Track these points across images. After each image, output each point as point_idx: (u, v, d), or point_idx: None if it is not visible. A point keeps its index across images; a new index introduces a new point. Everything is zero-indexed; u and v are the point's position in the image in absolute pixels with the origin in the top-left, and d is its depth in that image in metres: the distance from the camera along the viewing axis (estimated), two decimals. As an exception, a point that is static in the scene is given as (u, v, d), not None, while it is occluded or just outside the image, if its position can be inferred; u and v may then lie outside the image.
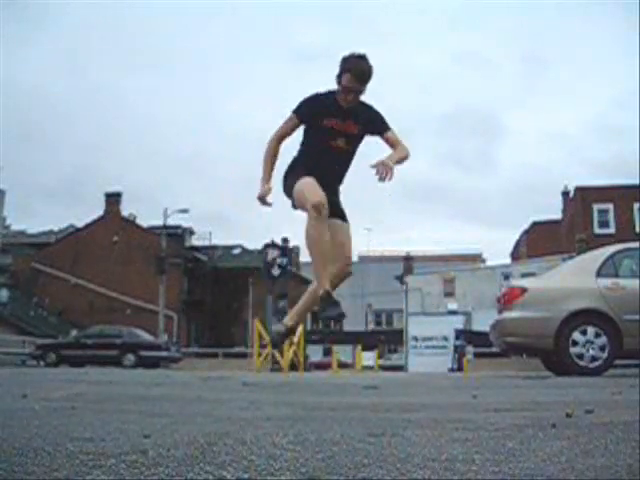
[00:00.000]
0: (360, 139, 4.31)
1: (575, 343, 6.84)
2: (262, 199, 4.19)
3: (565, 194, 40.92)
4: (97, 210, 41.03)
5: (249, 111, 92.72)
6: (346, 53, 4.22)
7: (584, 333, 6.85)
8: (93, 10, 75.07)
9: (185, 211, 35.64)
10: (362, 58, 4.17)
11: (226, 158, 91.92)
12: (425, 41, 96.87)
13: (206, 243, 44.01)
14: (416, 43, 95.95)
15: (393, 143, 4.35)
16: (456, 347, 25.15)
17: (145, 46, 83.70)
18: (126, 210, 41.43)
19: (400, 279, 38.70)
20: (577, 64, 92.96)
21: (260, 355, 14.81)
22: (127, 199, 41.62)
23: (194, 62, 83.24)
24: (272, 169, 4.26)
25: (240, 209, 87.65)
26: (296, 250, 41.79)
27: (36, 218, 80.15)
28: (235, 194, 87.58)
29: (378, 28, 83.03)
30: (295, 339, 15.30)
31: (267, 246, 18.09)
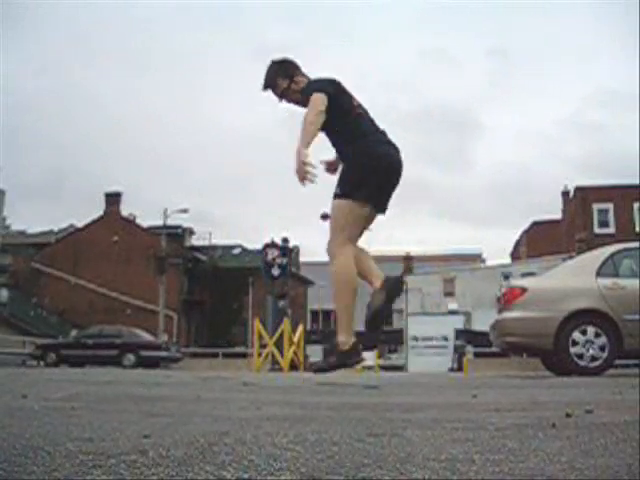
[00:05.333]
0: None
1: (575, 343, 6.84)
2: (304, 172, 3.88)
3: (565, 194, 40.91)
4: (80, 211, 41.19)
5: (231, 110, 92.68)
6: None
7: (584, 333, 6.85)
8: (72, 10, 75.18)
9: (185, 211, 35.70)
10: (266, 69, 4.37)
11: (215, 157, 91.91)
12: (393, 38, 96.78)
13: (206, 243, 44.02)
14: (383, 40, 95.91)
15: None
16: (456, 347, 25.14)
17: (124, 47, 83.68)
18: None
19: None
20: (552, 61, 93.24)
21: (260, 355, 14.80)
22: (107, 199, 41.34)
23: (169, 62, 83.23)
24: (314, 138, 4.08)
25: (229, 208, 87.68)
26: (296, 250, 41.83)
27: (35, 218, 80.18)
28: (223, 193, 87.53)
29: (343, 26, 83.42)
30: (295, 339, 15.30)
31: (267, 246, 18.08)
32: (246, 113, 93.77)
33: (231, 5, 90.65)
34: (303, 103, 4.20)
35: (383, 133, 4.31)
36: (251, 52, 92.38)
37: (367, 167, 4.16)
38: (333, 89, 4.19)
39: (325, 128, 4.25)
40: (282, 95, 4.34)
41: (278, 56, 4.44)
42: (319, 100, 4.08)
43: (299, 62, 4.44)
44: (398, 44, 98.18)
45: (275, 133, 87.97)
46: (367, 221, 4.22)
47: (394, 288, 4.07)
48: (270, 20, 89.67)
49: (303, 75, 4.37)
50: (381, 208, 4.24)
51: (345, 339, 4.02)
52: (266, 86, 4.35)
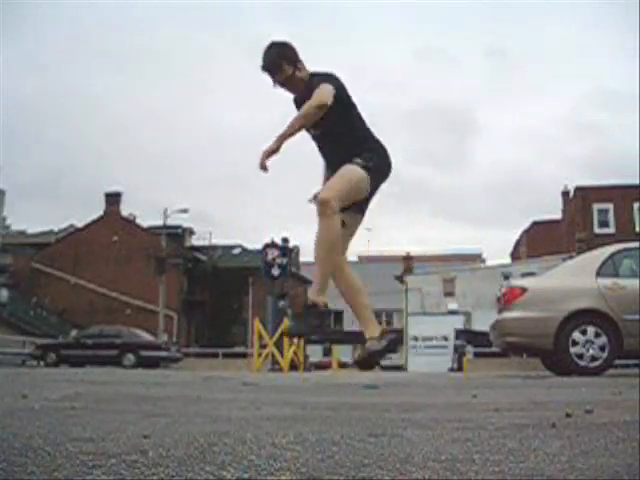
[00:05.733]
0: (331, 116, 4.06)
1: (575, 343, 6.84)
2: (266, 159, 3.92)
3: (565, 194, 40.91)
4: (80, 211, 41.21)
5: (218, 110, 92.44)
6: None
7: (584, 333, 6.85)
8: (72, 10, 75.09)
9: (185, 211, 35.72)
10: (265, 50, 4.11)
11: (214, 158, 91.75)
12: (391, 37, 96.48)
13: (206, 243, 44.02)
14: (381, 39, 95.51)
15: None
16: (456, 347, 25.11)
17: (124, 47, 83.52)
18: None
19: (400, 279, 38.70)
20: (548, 60, 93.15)
21: (260, 355, 14.80)
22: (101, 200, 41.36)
23: (169, 62, 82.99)
24: (291, 137, 4.00)
25: (229, 208, 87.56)
26: (296, 250, 41.83)
27: (35, 218, 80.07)
28: (223, 194, 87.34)
29: (341, 25, 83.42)
30: (295, 339, 15.29)
31: (267, 246, 18.08)
32: (245, 113, 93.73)
33: (229, 5, 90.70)
34: (302, 93, 4.07)
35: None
36: (248, 52, 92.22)
37: (384, 171, 4.22)
38: (338, 84, 4.09)
39: (328, 119, 4.07)
40: (283, 82, 4.09)
41: (277, 38, 4.14)
42: (328, 92, 3.94)
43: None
44: (396, 43, 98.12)
45: (274, 133, 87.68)
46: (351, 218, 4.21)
47: (395, 342, 4.13)
48: (268, 20, 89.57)
49: (302, 62, 4.18)
50: (360, 209, 4.26)
51: (320, 298, 4.00)
52: (268, 69, 4.06)
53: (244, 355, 28.69)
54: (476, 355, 24.41)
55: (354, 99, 4.24)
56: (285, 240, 18.53)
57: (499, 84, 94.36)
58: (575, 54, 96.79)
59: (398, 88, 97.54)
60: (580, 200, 35.78)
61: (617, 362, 7.47)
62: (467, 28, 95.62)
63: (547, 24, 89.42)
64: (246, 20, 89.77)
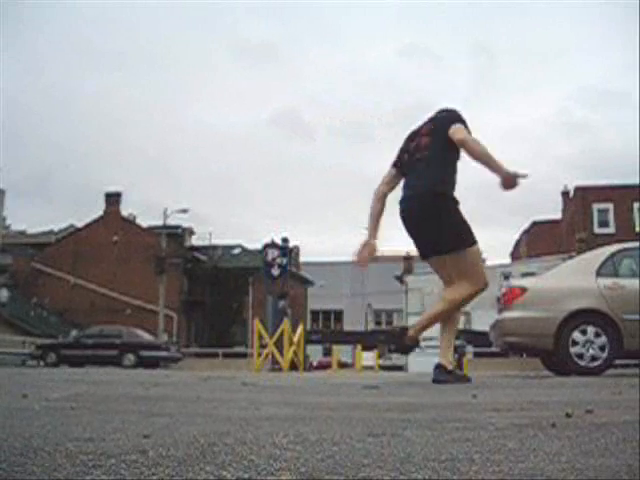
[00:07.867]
0: (437, 143, 4.55)
1: (575, 343, 6.84)
2: (362, 258, 4.42)
3: (565, 194, 40.92)
4: (82, 210, 41.11)
5: (209, 109, 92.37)
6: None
7: (584, 333, 6.85)
8: (61, 10, 75.03)
9: (185, 211, 35.71)
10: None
11: (214, 159, 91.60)
12: (378, 37, 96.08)
13: (206, 243, 44.00)
14: (364, 39, 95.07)
15: (457, 141, 4.58)
16: (456, 347, 25.10)
17: (123, 47, 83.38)
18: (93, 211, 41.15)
19: (400, 279, 38.71)
20: (543, 59, 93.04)
21: (260, 355, 14.80)
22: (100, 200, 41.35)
23: (168, 62, 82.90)
24: (378, 225, 4.55)
25: (229, 209, 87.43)
26: (296, 250, 41.83)
27: (35, 218, 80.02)
28: (223, 195, 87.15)
29: (325, 24, 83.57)
30: (295, 339, 15.29)
31: (267, 246, 18.10)
32: (244, 113, 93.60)
33: (227, 6, 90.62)
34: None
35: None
36: (247, 52, 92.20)
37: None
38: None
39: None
40: None
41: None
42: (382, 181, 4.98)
43: None
44: (383, 42, 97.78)
45: (272, 133, 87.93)
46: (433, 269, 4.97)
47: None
48: (259, 20, 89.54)
49: None
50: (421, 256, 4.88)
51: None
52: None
53: (244, 355, 28.70)
54: (476, 355, 24.40)
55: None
56: (285, 240, 18.57)
57: (492, 83, 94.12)
58: (573, 53, 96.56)
59: (386, 87, 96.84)
60: (580, 200, 35.79)
61: (617, 362, 7.47)
62: (460, 27, 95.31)
63: (546, 23, 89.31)
64: (244, 20, 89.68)
